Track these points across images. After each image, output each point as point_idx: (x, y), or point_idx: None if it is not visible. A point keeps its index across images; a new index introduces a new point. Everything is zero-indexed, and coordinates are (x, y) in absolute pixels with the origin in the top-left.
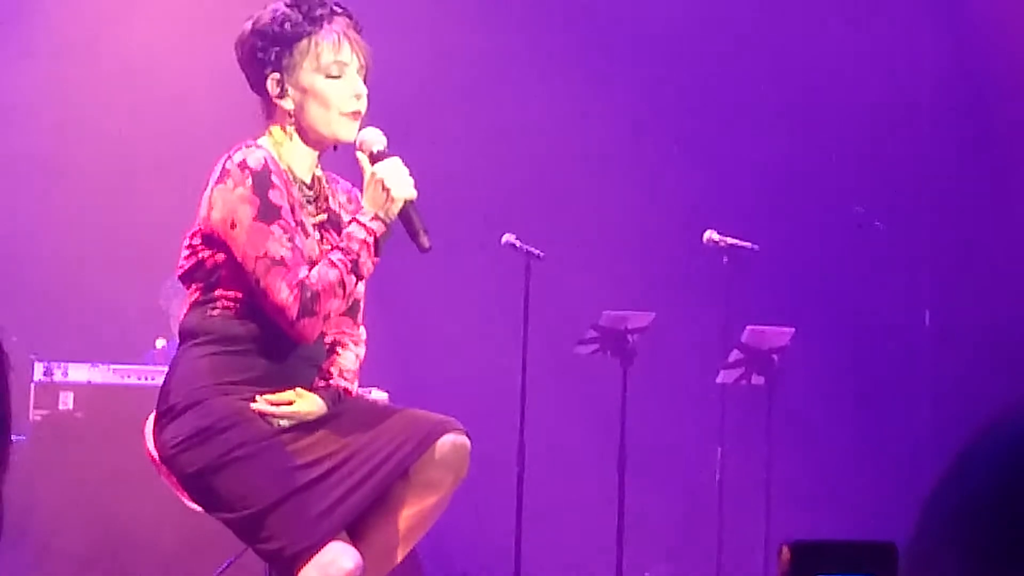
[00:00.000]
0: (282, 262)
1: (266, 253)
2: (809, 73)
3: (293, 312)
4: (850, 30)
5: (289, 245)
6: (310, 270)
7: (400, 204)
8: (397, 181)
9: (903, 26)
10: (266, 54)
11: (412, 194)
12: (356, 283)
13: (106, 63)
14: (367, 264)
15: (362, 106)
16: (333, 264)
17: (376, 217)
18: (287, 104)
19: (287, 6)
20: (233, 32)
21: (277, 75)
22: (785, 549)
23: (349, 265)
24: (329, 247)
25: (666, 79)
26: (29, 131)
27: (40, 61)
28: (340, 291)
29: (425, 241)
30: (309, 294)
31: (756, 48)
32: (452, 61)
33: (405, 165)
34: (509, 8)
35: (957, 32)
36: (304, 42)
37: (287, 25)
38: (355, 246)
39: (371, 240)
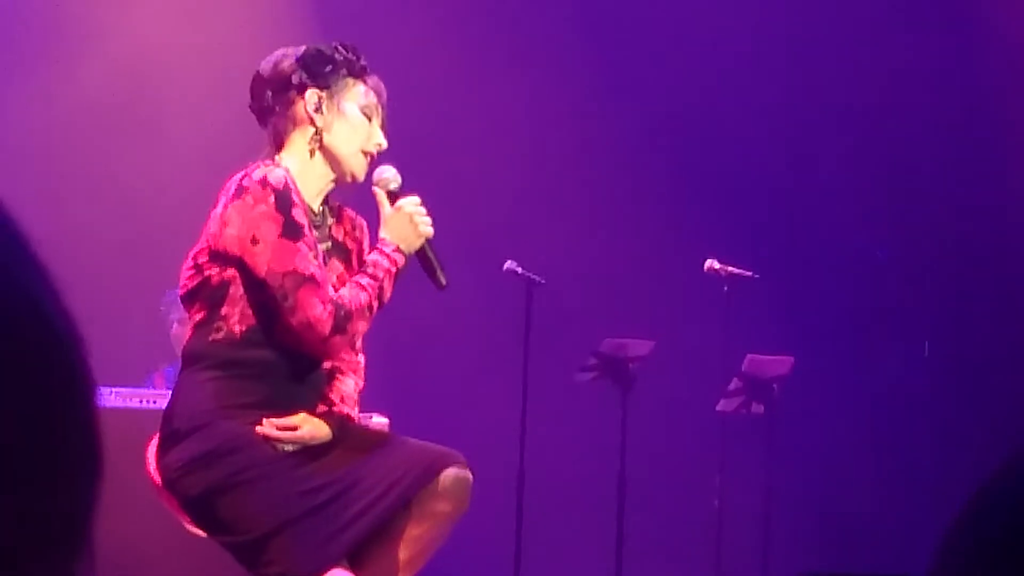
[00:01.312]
0: (312, 279)
1: (295, 269)
2: (811, 103)
3: (327, 328)
4: (852, 59)
5: (316, 263)
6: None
7: (422, 241)
8: (422, 219)
9: (905, 56)
10: (317, 70)
11: (431, 232)
12: (378, 309)
13: (101, 75)
14: (388, 293)
15: (376, 154)
16: (363, 288)
17: (398, 250)
18: (320, 120)
19: (343, 46)
20: (235, 47)
21: (320, 91)
22: None
23: (376, 291)
24: (334, 276)
25: (668, 107)
26: (25, 147)
27: (32, 70)
28: (368, 315)
29: (442, 279)
30: (343, 312)
31: (758, 77)
32: (455, 91)
33: (413, 195)
34: (507, 37)
35: (961, 63)
36: (354, 80)
37: (344, 57)
38: (380, 274)
39: (394, 271)
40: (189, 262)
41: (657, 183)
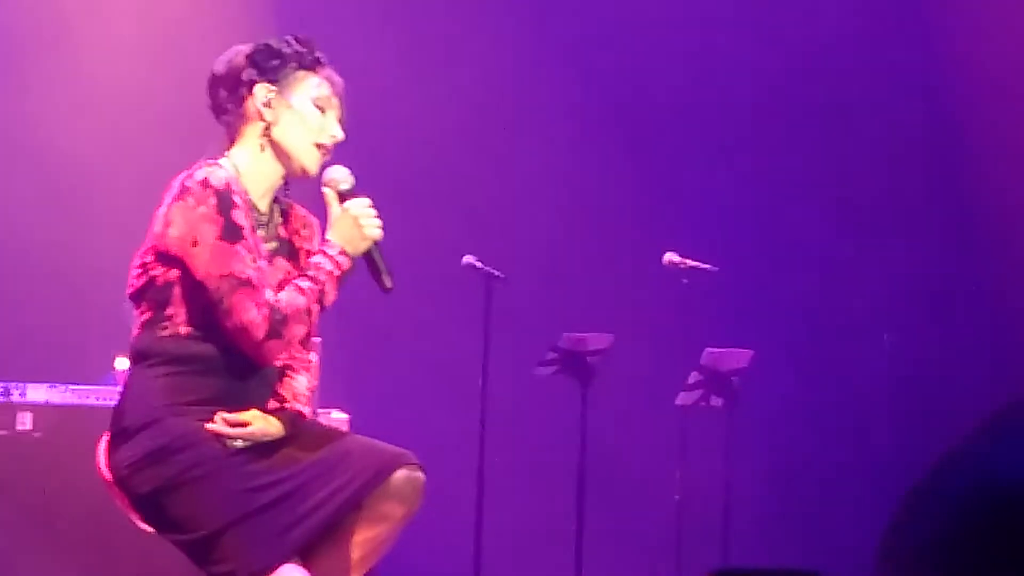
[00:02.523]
0: (248, 282)
1: (231, 273)
2: (769, 95)
3: (261, 332)
4: (812, 53)
5: (254, 266)
6: (274, 293)
7: (368, 243)
8: (369, 221)
9: (869, 51)
10: (265, 65)
11: (379, 235)
12: (319, 312)
13: (59, 76)
14: (331, 296)
15: (331, 146)
16: (302, 291)
17: (343, 252)
18: (269, 115)
19: (295, 39)
20: (193, 46)
21: (270, 86)
22: None
23: (316, 295)
24: (280, 274)
25: (627, 101)
26: None
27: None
28: (306, 318)
29: (388, 282)
30: (279, 317)
31: (716, 72)
32: (414, 86)
33: (361, 190)
34: (464, 30)
35: (928, 59)
36: (305, 72)
37: (294, 50)
38: (322, 277)
39: (337, 274)
40: (136, 261)
41: (616, 177)
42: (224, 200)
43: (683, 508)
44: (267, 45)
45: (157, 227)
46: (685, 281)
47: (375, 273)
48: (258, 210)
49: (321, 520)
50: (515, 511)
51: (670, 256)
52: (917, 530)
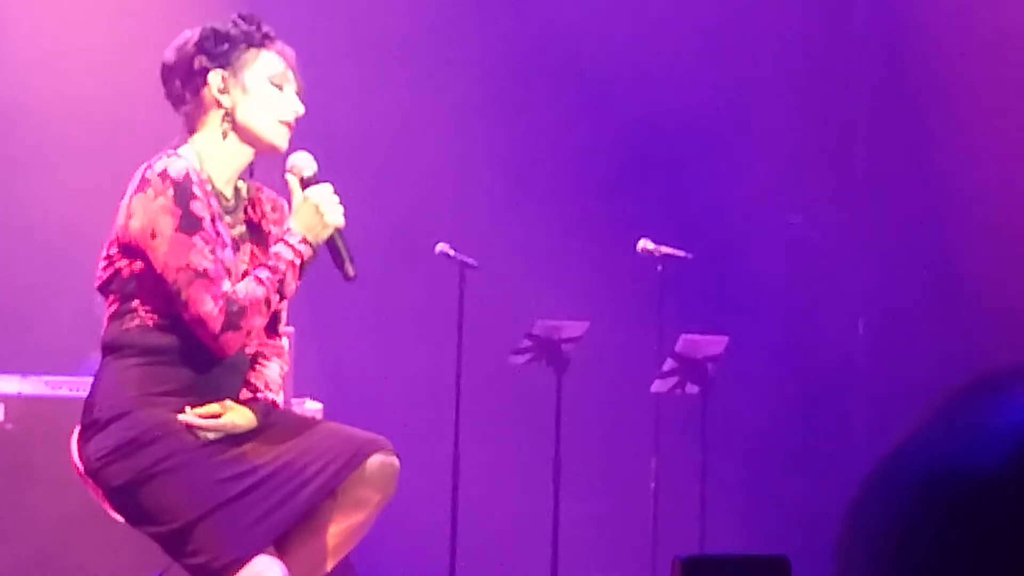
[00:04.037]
0: (205, 274)
1: (188, 265)
2: (742, 80)
3: (217, 325)
4: (778, 41)
5: (211, 258)
6: (233, 283)
7: (330, 231)
8: (330, 208)
9: (839, 29)
10: (215, 51)
11: (341, 222)
12: (279, 302)
13: (27, 55)
14: (291, 285)
15: (294, 121)
16: (260, 282)
17: (304, 240)
18: (227, 101)
19: (240, 18)
20: (160, 30)
21: (223, 71)
22: (677, 563)
23: (276, 285)
24: (247, 259)
25: (601, 87)
26: None
27: None
28: (265, 309)
29: (350, 269)
30: (236, 308)
31: (691, 55)
32: (384, 69)
33: (334, 178)
34: (433, 18)
35: (895, 34)
36: (255, 50)
37: (241, 30)
38: (282, 266)
39: (298, 262)
40: (103, 253)
41: (590, 163)
42: (182, 191)
43: (659, 495)
44: (214, 29)
45: (120, 219)
46: (659, 268)
47: (337, 261)
48: (224, 196)
49: (295, 508)
50: (490, 499)
51: (644, 243)
52: (873, 516)
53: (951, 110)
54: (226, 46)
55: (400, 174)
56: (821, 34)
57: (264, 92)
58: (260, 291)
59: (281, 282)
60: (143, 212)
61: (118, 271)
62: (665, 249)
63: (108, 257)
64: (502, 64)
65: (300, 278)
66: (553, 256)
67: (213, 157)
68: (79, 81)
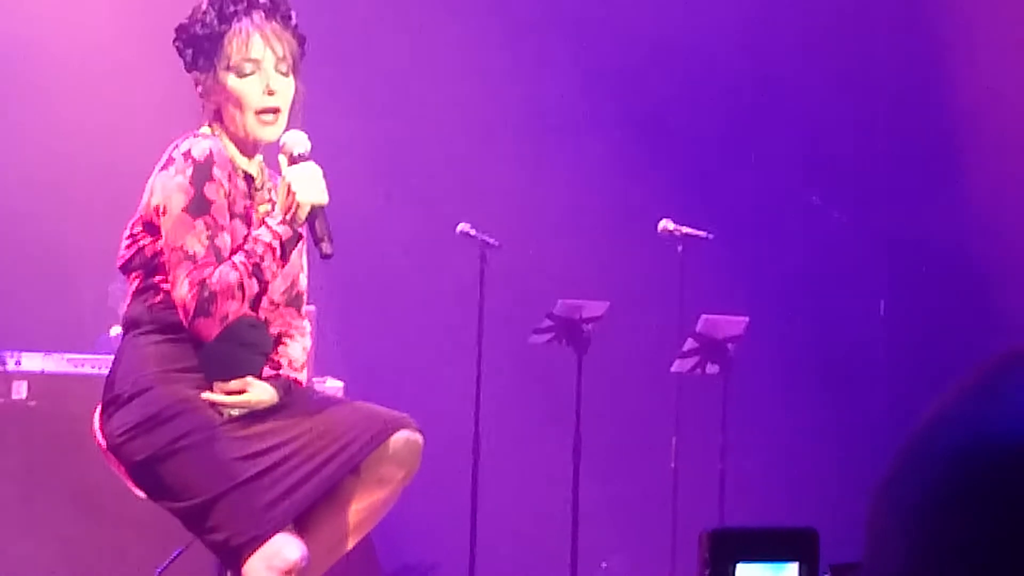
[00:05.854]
0: (192, 258)
1: (181, 246)
2: (766, 63)
3: (190, 310)
4: (801, 23)
5: (206, 243)
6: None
7: (307, 209)
8: (305, 186)
9: (863, 12)
10: (186, 56)
11: (322, 200)
12: (257, 286)
13: (54, 55)
14: (271, 268)
15: (278, 102)
16: (235, 266)
17: (284, 221)
18: (211, 105)
19: (207, 3)
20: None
21: (200, 74)
22: (705, 536)
23: (250, 268)
24: None
25: (620, 67)
26: None
27: None
28: (239, 294)
29: (326, 248)
30: (207, 294)
31: (711, 36)
32: (407, 51)
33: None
34: (458, 9)
35: (915, 26)
36: (219, 39)
37: (199, 27)
38: (259, 249)
39: (276, 244)
40: (126, 232)
41: (611, 143)
42: (201, 172)
43: (679, 475)
44: (179, 32)
45: (144, 197)
46: (680, 248)
47: (315, 239)
48: (250, 175)
49: (317, 486)
50: (510, 478)
51: (665, 223)
52: (907, 489)
53: (974, 92)
54: (191, 50)
55: (421, 154)
56: (845, 17)
57: (232, 88)
58: (233, 276)
59: (256, 266)
60: (161, 189)
61: (141, 249)
62: (686, 229)
63: (132, 236)
64: (526, 43)
65: (285, 258)
66: (574, 236)
67: (235, 140)
68: (97, 77)
